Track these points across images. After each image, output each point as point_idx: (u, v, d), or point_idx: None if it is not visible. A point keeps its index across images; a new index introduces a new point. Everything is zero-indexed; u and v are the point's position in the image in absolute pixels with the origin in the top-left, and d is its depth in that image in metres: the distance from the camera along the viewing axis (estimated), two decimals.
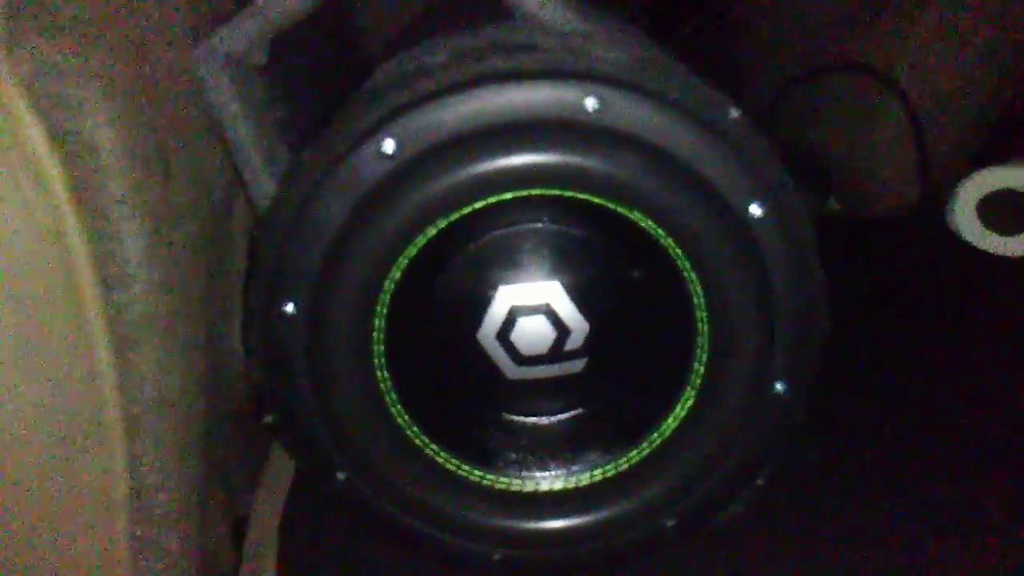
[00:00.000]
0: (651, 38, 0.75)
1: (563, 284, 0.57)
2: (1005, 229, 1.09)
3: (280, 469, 0.72)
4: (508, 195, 0.52)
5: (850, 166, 1.25)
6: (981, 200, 1.09)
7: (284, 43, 0.60)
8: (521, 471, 0.60)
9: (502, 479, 0.59)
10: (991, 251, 1.08)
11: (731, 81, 1.38)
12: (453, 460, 0.58)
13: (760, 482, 0.59)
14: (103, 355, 0.47)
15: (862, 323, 0.94)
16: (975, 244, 1.08)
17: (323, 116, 0.61)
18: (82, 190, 0.45)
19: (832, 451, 0.72)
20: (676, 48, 1.41)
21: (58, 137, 0.44)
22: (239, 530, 0.68)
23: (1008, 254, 1.07)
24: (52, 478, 0.49)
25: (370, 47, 0.96)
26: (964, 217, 1.09)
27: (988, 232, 1.09)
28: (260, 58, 0.59)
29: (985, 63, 1.14)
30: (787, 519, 0.65)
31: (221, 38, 0.57)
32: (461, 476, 0.58)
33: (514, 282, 0.57)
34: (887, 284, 1.04)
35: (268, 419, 0.57)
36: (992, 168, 1.10)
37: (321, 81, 0.78)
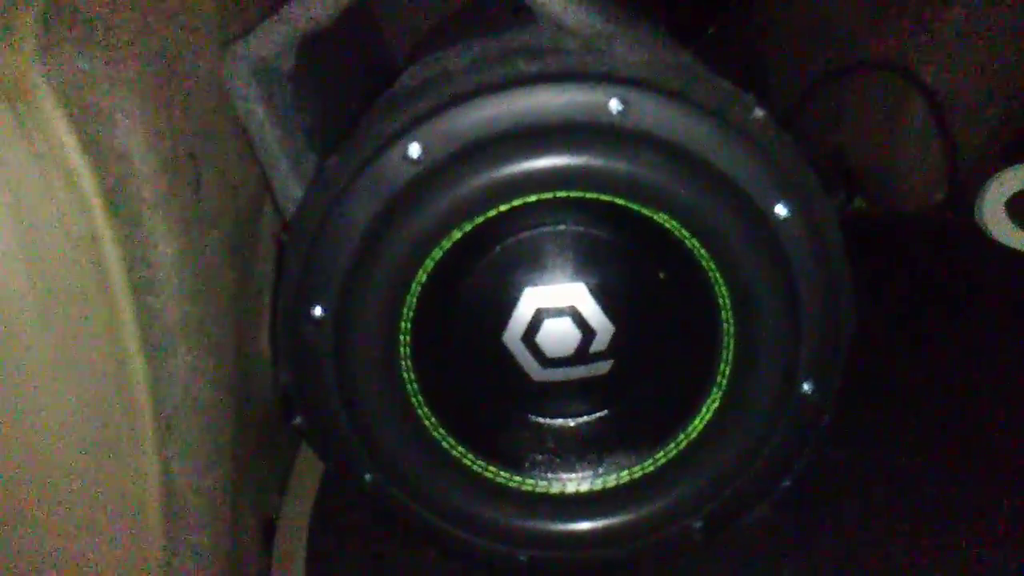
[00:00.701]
0: (675, 39, 0.75)
1: (588, 286, 0.57)
2: None
3: (308, 470, 0.73)
4: (533, 198, 0.52)
5: (876, 165, 1.24)
6: (1010, 198, 1.08)
7: (310, 48, 0.61)
8: (548, 473, 0.60)
9: (529, 481, 0.59)
10: (1020, 248, 1.07)
11: (757, 80, 1.37)
12: (480, 462, 0.59)
13: (787, 483, 0.59)
14: (136, 359, 0.48)
15: (890, 321, 0.94)
16: (1003, 242, 1.07)
17: (350, 120, 0.62)
18: (115, 197, 0.46)
19: (857, 452, 0.72)
20: (701, 49, 1.41)
21: (91, 145, 0.45)
22: (268, 530, 0.69)
23: None
24: (86, 480, 0.50)
25: (396, 50, 0.97)
26: (993, 215, 1.08)
27: (1017, 229, 1.08)
28: (287, 64, 0.60)
29: (1012, 60, 1.13)
30: (811, 520, 0.65)
31: (249, 45, 0.58)
32: (488, 478, 0.59)
33: (539, 284, 0.57)
34: (915, 282, 1.03)
35: (297, 421, 0.57)
36: (1020, 166, 1.09)
37: (348, 85, 0.78)
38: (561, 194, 0.53)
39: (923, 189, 1.20)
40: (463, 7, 0.78)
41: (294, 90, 0.62)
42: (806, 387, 0.56)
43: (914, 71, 1.15)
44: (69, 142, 0.44)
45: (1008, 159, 1.13)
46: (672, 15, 1.56)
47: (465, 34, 0.63)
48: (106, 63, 0.46)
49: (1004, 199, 1.08)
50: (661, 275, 0.59)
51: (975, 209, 1.10)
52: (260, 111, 0.59)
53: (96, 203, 0.45)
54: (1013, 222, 1.08)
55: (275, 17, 0.58)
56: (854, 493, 0.68)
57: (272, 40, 0.58)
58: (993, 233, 1.08)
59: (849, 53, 1.25)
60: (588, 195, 0.53)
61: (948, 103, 1.14)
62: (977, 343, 0.91)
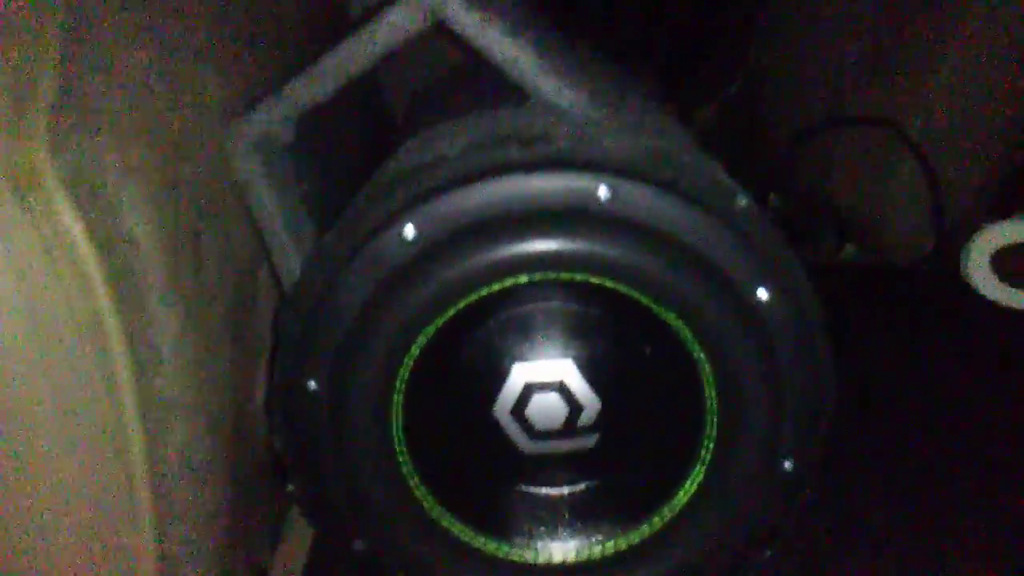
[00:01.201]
0: (666, 105, 0.77)
1: (576, 361, 0.59)
2: (1019, 282, 1.09)
3: (301, 523, 0.74)
4: (523, 278, 0.54)
5: (865, 215, 1.26)
6: (995, 253, 1.10)
7: (310, 119, 0.63)
8: (535, 543, 0.61)
9: (516, 550, 0.61)
10: (1004, 303, 1.08)
11: (749, 130, 1.39)
12: (469, 531, 0.60)
13: (769, 554, 0.60)
14: (134, 432, 0.50)
15: (875, 371, 0.95)
16: (988, 296, 1.09)
17: (348, 185, 0.63)
18: (119, 280, 0.47)
19: (843, 503, 0.74)
20: (693, 102, 1.43)
21: (97, 231, 0.46)
22: None
23: (1021, 307, 1.07)
24: (84, 546, 0.51)
25: (393, 107, 0.99)
26: (978, 269, 1.10)
27: (1002, 284, 1.10)
28: (288, 137, 0.62)
29: (1000, 116, 1.15)
30: None
31: (251, 121, 0.59)
32: (476, 547, 0.60)
33: (528, 359, 0.59)
34: (901, 332, 1.05)
35: (290, 488, 0.59)
36: (1006, 221, 1.11)
37: (347, 145, 0.80)
38: (551, 275, 0.54)
39: (911, 240, 1.22)
40: (459, 71, 0.80)
41: (294, 161, 0.64)
42: (787, 464, 0.57)
43: (903, 126, 1.17)
44: (76, 229, 0.46)
45: (993, 215, 1.15)
46: (668, 64, 1.59)
47: (460, 107, 0.65)
48: (114, 151, 0.48)
49: (989, 254, 1.10)
50: (647, 352, 0.61)
51: (960, 263, 1.12)
52: (261, 184, 0.60)
53: (101, 288, 0.46)
54: (998, 277, 1.10)
55: (278, 94, 0.60)
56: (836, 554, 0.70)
57: (274, 116, 0.60)
58: (978, 287, 1.10)
59: (841, 105, 1.28)
60: (576, 277, 0.54)
61: (936, 158, 1.17)
62: (960, 395, 0.92)
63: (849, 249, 1.37)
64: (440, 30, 0.59)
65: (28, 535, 0.50)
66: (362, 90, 0.89)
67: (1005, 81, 1.14)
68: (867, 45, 1.26)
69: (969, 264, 1.11)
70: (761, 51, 1.48)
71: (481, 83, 0.66)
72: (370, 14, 0.60)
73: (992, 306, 1.08)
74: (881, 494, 0.77)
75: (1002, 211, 1.15)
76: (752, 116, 1.49)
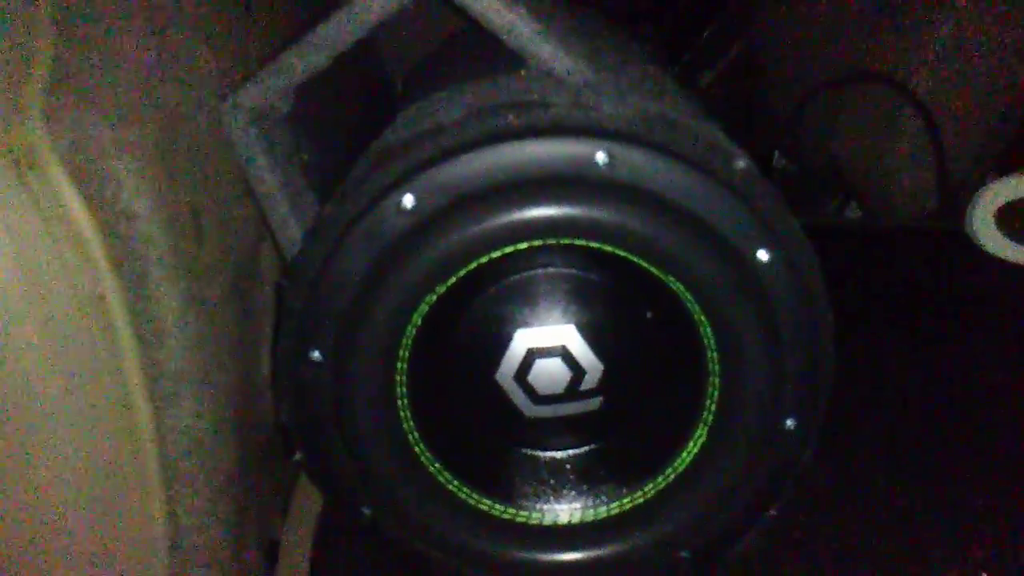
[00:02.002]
0: (667, 68, 0.76)
1: (578, 327, 0.59)
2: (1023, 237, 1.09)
3: (310, 493, 0.75)
4: (523, 245, 0.54)
5: (870, 174, 1.26)
6: (1000, 209, 1.09)
7: (308, 89, 0.63)
8: (540, 504, 0.62)
9: (522, 513, 0.61)
10: (1010, 259, 1.08)
11: (753, 90, 1.38)
12: (474, 495, 0.61)
13: (773, 514, 0.61)
14: (142, 409, 0.50)
15: (879, 330, 0.96)
16: (993, 252, 1.09)
17: (348, 153, 0.63)
18: (121, 256, 0.48)
19: (846, 467, 0.74)
20: (696, 63, 1.42)
21: (97, 208, 0.47)
22: (272, 554, 0.71)
23: None
24: (94, 526, 0.52)
25: (392, 75, 0.98)
26: (983, 225, 1.10)
27: (1007, 240, 1.09)
28: (285, 108, 0.62)
29: (1003, 73, 1.14)
30: (801, 544, 0.67)
31: (248, 93, 0.59)
32: (482, 511, 0.61)
33: (531, 325, 0.59)
34: (905, 291, 1.05)
35: (297, 457, 0.59)
36: (1011, 177, 1.10)
37: (346, 114, 0.80)
38: (550, 241, 0.54)
39: (915, 198, 1.22)
40: (457, 39, 0.80)
41: (292, 131, 0.64)
42: (789, 423, 0.58)
43: (906, 84, 1.16)
44: (76, 206, 0.46)
45: (998, 171, 1.14)
46: (668, 20, 1.58)
47: (457, 75, 0.65)
48: (110, 127, 0.48)
49: (994, 210, 1.09)
50: (648, 315, 0.61)
51: (965, 220, 1.12)
52: (259, 156, 0.60)
53: (103, 264, 0.47)
54: (1002, 233, 1.09)
55: (273, 65, 0.60)
56: (842, 513, 0.71)
57: (270, 88, 0.60)
58: (983, 243, 1.10)
59: (844, 65, 1.26)
60: (576, 242, 0.54)
61: (940, 115, 1.16)
62: (966, 352, 0.92)
63: (854, 208, 1.36)
64: None
65: (39, 510, 0.51)
66: (360, 58, 0.89)
67: (1009, 38, 1.13)
68: (871, 3, 1.25)
69: (974, 221, 1.10)
70: (765, 11, 1.46)
71: (478, 50, 0.65)
72: None
73: (998, 262, 1.08)
74: (886, 457, 0.78)
75: (1007, 167, 1.14)
76: (756, 77, 1.48)
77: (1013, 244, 1.09)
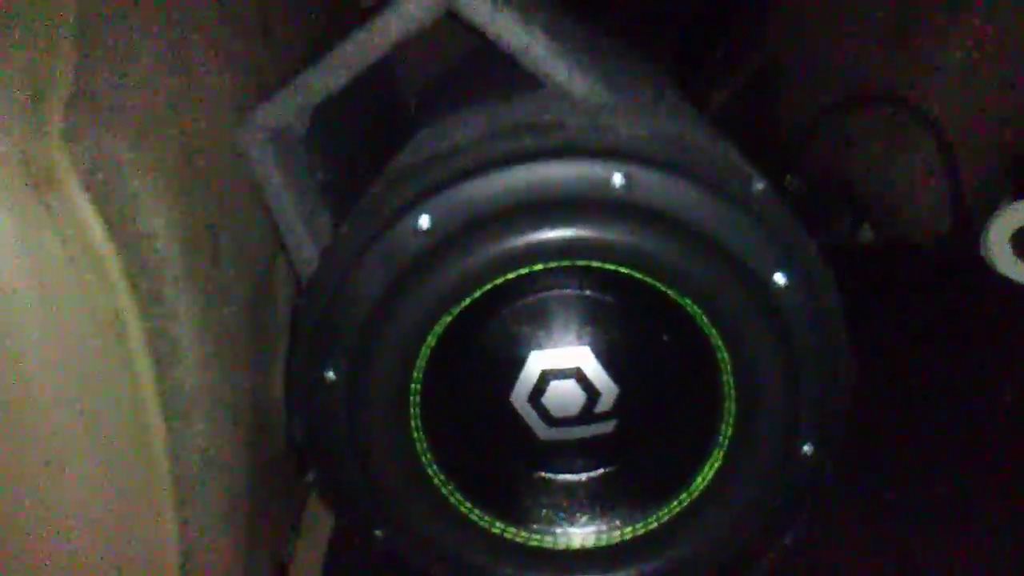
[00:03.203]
0: (681, 89, 0.77)
1: (593, 349, 0.59)
2: None
3: (322, 513, 0.75)
4: (539, 266, 0.54)
5: (883, 195, 1.25)
6: (1015, 232, 1.09)
7: (324, 109, 0.63)
8: (554, 528, 0.62)
9: (535, 536, 0.61)
10: None
11: (765, 110, 1.38)
12: (487, 518, 0.60)
13: (788, 541, 0.60)
14: (156, 427, 0.50)
15: (894, 351, 0.95)
16: (1009, 275, 1.08)
17: (364, 172, 0.63)
18: (138, 276, 0.48)
19: (860, 482, 0.73)
20: (709, 82, 1.42)
21: (115, 228, 0.47)
22: (283, 572, 0.71)
23: None
24: (106, 543, 0.52)
25: (406, 93, 0.98)
26: (998, 248, 1.09)
27: (1022, 263, 1.09)
28: (302, 128, 0.62)
29: (1017, 94, 1.14)
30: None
31: (264, 114, 0.60)
32: (495, 534, 0.60)
33: (545, 347, 0.59)
34: (920, 312, 1.05)
35: (310, 477, 0.59)
36: None
37: (361, 133, 0.80)
38: (566, 263, 0.54)
39: (929, 220, 1.21)
40: (471, 58, 0.80)
41: (308, 151, 0.64)
42: (806, 448, 0.57)
43: (920, 105, 1.16)
44: (95, 226, 0.46)
45: (1013, 193, 1.14)
46: (682, 43, 1.58)
47: (473, 95, 0.65)
48: (129, 147, 0.48)
49: (1009, 233, 1.09)
50: (664, 338, 0.61)
51: (980, 242, 1.11)
52: (276, 176, 0.61)
53: (120, 283, 0.47)
54: (1018, 256, 1.09)
55: (291, 86, 0.60)
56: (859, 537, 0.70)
57: (288, 108, 0.60)
58: (998, 266, 1.09)
59: (858, 86, 1.26)
60: (592, 264, 0.54)
61: (953, 137, 1.15)
62: (981, 374, 0.92)
63: (867, 229, 1.36)
64: (452, 18, 0.59)
65: (51, 526, 0.51)
66: (376, 78, 0.89)
67: (1021, 59, 1.13)
68: (885, 24, 1.25)
69: (989, 244, 1.10)
70: (778, 31, 1.47)
71: (494, 70, 0.65)
72: (382, 3, 0.60)
73: (1013, 285, 1.07)
74: (904, 476, 0.77)
75: (1021, 189, 1.13)
76: (769, 96, 1.48)
77: None
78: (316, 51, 0.61)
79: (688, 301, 0.55)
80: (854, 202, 1.31)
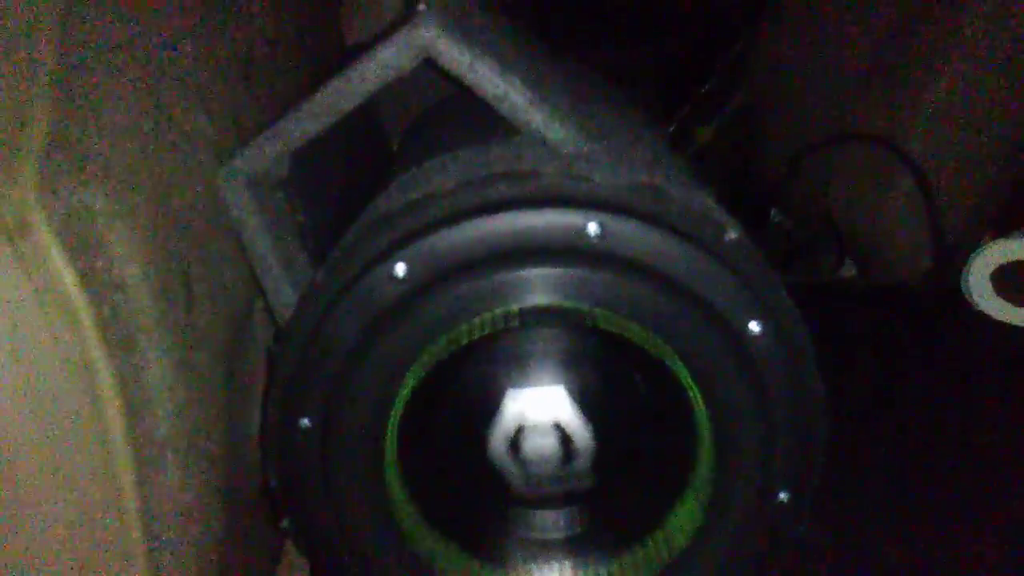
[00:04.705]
0: (665, 127, 0.77)
1: (568, 390, 0.59)
2: (1019, 300, 1.09)
3: (297, 561, 0.74)
4: (515, 321, 0.54)
5: (864, 233, 1.26)
6: (996, 270, 1.10)
7: (304, 153, 0.63)
8: (530, 574, 0.61)
9: None
10: (1005, 321, 1.08)
11: (749, 147, 1.40)
12: (463, 566, 0.60)
13: None
14: (126, 477, 0.50)
15: (874, 389, 0.95)
16: (989, 313, 1.09)
17: (343, 216, 0.64)
18: (110, 325, 0.47)
19: (842, 534, 0.73)
20: (694, 118, 1.43)
21: (88, 277, 0.47)
22: None
23: (1021, 324, 1.07)
24: None
25: (390, 135, 0.99)
26: (979, 287, 1.10)
27: (1002, 302, 1.10)
28: (281, 173, 0.62)
29: (998, 134, 1.15)
30: None
31: (243, 160, 0.60)
32: None
33: (521, 386, 0.59)
34: (901, 350, 1.05)
35: (284, 524, 0.59)
36: (1007, 239, 1.11)
37: (342, 177, 0.80)
38: (542, 312, 0.54)
39: (911, 257, 1.22)
40: (451, 103, 0.80)
41: (288, 195, 0.64)
42: (782, 496, 0.57)
43: (901, 144, 1.18)
44: (67, 275, 0.46)
45: (994, 232, 1.15)
46: (667, 78, 1.60)
47: (451, 142, 0.65)
48: (104, 195, 0.48)
49: (989, 271, 1.10)
50: (640, 384, 0.61)
51: (961, 280, 1.12)
52: (253, 220, 0.61)
53: (91, 333, 0.47)
54: (998, 294, 1.10)
55: (269, 132, 0.60)
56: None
57: (267, 154, 0.60)
58: (979, 304, 1.10)
59: (840, 124, 1.28)
60: (568, 312, 0.54)
61: (934, 176, 1.17)
62: (960, 412, 0.92)
63: (848, 266, 1.37)
64: (431, 65, 0.59)
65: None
66: (359, 121, 0.90)
67: (1004, 99, 1.14)
68: (866, 63, 1.26)
69: (970, 282, 1.11)
70: (761, 68, 1.48)
71: (473, 116, 0.66)
72: (364, 48, 0.61)
73: (993, 323, 1.08)
74: (883, 514, 0.77)
75: (1003, 229, 1.15)
76: (752, 133, 1.49)
77: (1009, 306, 1.09)
78: (298, 95, 0.61)
79: (663, 349, 0.55)
80: (837, 239, 1.32)
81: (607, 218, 0.53)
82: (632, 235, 0.53)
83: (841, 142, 1.27)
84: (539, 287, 0.53)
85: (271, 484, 0.58)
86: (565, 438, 0.59)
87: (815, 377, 0.56)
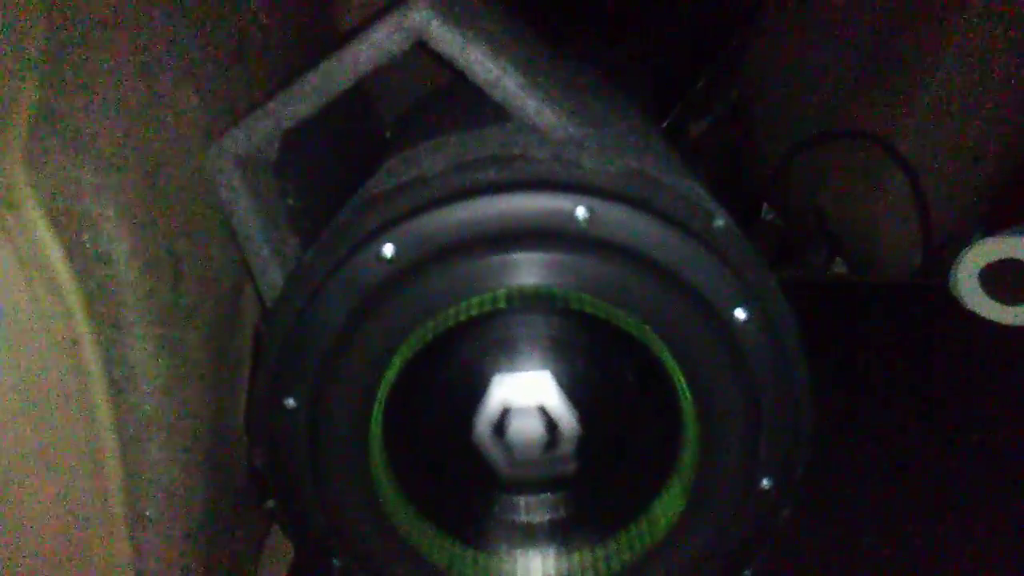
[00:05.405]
0: (658, 122, 0.77)
1: (556, 378, 0.59)
2: (1007, 298, 1.10)
3: (282, 542, 0.74)
4: (502, 303, 0.54)
5: (855, 230, 1.27)
6: (984, 269, 1.10)
7: (295, 135, 0.63)
8: (514, 559, 0.61)
9: (495, 567, 0.61)
10: (993, 319, 1.09)
11: (742, 143, 1.40)
12: (446, 549, 0.60)
13: (748, 573, 0.60)
14: (110, 453, 0.50)
15: (863, 386, 0.96)
16: (976, 311, 1.10)
17: (334, 200, 0.64)
18: (96, 300, 0.47)
19: (821, 523, 0.74)
20: (688, 114, 1.43)
21: (75, 251, 0.47)
22: None
23: (1009, 323, 1.08)
24: (60, 569, 0.51)
25: (383, 121, 0.99)
26: (967, 285, 1.11)
27: (990, 300, 1.10)
28: (272, 154, 0.62)
29: (989, 133, 1.16)
30: None
31: (233, 140, 0.60)
32: (455, 567, 0.60)
33: (508, 371, 0.59)
34: (889, 346, 1.06)
35: (269, 505, 0.59)
36: (995, 237, 1.11)
37: (334, 159, 0.80)
38: (529, 296, 0.54)
39: (901, 254, 1.23)
40: (445, 88, 0.80)
41: (278, 176, 0.64)
42: (766, 483, 0.57)
43: (892, 141, 1.18)
44: (54, 249, 0.46)
45: (983, 230, 1.15)
46: (662, 72, 1.60)
47: (443, 126, 0.65)
48: (92, 170, 0.48)
49: (978, 269, 1.10)
50: (627, 371, 0.61)
51: (950, 278, 1.13)
52: (243, 201, 0.61)
53: (78, 308, 0.47)
54: (986, 293, 1.10)
55: (260, 111, 0.60)
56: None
57: (257, 134, 0.60)
58: (967, 302, 1.10)
59: (831, 121, 1.28)
60: (556, 295, 0.55)
61: (924, 173, 1.17)
62: (947, 409, 0.92)
63: (840, 263, 1.37)
64: (423, 49, 0.59)
65: (2, 552, 0.50)
66: (351, 105, 0.89)
67: (994, 96, 1.15)
68: (858, 61, 1.27)
69: (958, 279, 1.11)
70: (755, 65, 1.49)
71: (465, 101, 0.66)
72: (357, 31, 0.61)
73: (981, 321, 1.09)
74: (870, 510, 0.77)
75: (992, 226, 1.15)
76: (746, 130, 1.50)
77: (996, 304, 1.10)
78: (290, 77, 0.61)
79: (650, 336, 0.55)
80: (827, 236, 1.33)
81: (595, 203, 0.53)
82: (620, 220, 0.53)
83: (832, 140, 1.27)
84: (526, 270, 0.53)
85: (256, 464, 0.58)
86: (550, 423, 0.59)
87: (801, 365, 0.56)
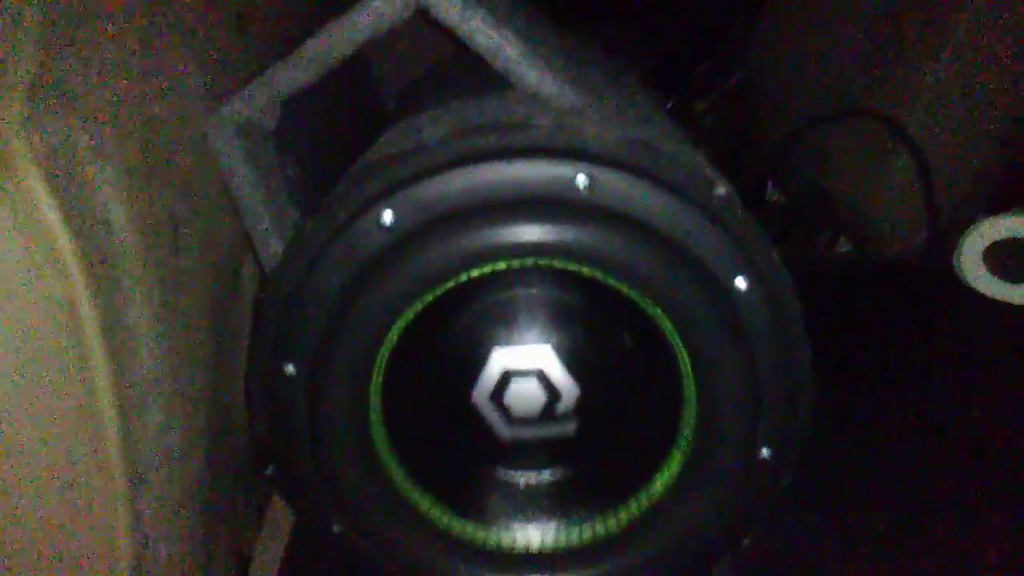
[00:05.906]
0: (654, 96, 0.77)
1: (555, 348, 0.59)
2: (1011, 277, 1.09)
3: (283, 510, 0.74)
4: (502, 265, 0.54)
5: (860, 209, 1.26)
6: (988, 247, 1.10)
7: (295, 104, 0.63)
8: (513, 528, 0.62)
9: (494, 536, 0.61)
10: (996, 298, 1.08)
11: (747, 122, 1.39)
12: (445, 517, 0.60)
13: (747, 542, 0.60)
14: (109, 417, 0.50)
15: (867, 363, 0.96)
16: (980, 290, 1.09)
17: (335, 171, 0.63)
18: (94, 264, 0.47)
19: (826, 499, 0.74)
20: (694, 93, 1.43)
21: (72, 214, 0.46)
22: (243, 569, 0.70)
23: (1013, 301, 1.07)
24: (59, 534, 0.51)
25: (386, 95, 0.98)
26: (971, 263, 1.10)
27: (995, 279, 1.10)
28: (271, 123, 0.62)
29: (995, 113, 1.15)
30: None
31: (233, 107, 0.60)
32: (454, 533, 0.60)
33: (508, 344, 0.59)
34: (894, 325, 1.05)
35: (268, 471, 0.59)
36: (999, 217, 1.11)
37: (335, 130, 0.80)
38: (529, 262, 0.54)
39: (905, 233, 1.22)
40: (449, 60, 0.80)
41: (278, 146, 0.64)
42: (765, 452, 0.57)
43: (898, 121, 1.17)
44: (50, 211, 0.46)
45: (988, 209, 1.15)
46: (668, 51, 1.59)
47: (445, 95, 0.65)
48: (90, 134, 0.48)
49: (982, 249, 1.10)
50: (626, 340, 0.61)
51: (954, 257, 1.12)
52: (243, 169, 0.61)
53: (75, 270, 0.47)
54: (990, 271, 1.10)
55: (260, 79, 0.60)
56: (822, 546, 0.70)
57: (257, 102, 0.60)
58: (970, 281, 1.10)
59: (838, 99, 1.27)
60: (555, 264, 0.54)
61: (930, 153, 1.16)
62: (951, 387, 0.92)
63: (844, 242, 1.37)
64: (424, 17, 0.59)
65: (2, 517, 0.50)
66: (352, 77, 0.89)
67: (1001, 77, 1.14)
68: (865, 40, 1.26)
69: (962, 258, 1.11)
70: (761, 44, 1.48)
71: (468, 71, 0.66)
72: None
73: (985, 299, 1.08)
74: (870, 488, 0.77)
75: (996, 206, 1.14)
76: (751, 108, 1.49)
77: (1000, 282, 1.09)
78: (290, 45, 0.61)
79: (649, 303, 0.55)
80: (832, 215, 1.32)
81: (596, 170, 0.52)
82: (621, 188, 0.53)
83: (838, 119, 1.26)
84: (526, 237, 0.53)
85: (256, 430, 0.58)
86: (549, 386, 0.59)
87: (802, 336, 0.56)
